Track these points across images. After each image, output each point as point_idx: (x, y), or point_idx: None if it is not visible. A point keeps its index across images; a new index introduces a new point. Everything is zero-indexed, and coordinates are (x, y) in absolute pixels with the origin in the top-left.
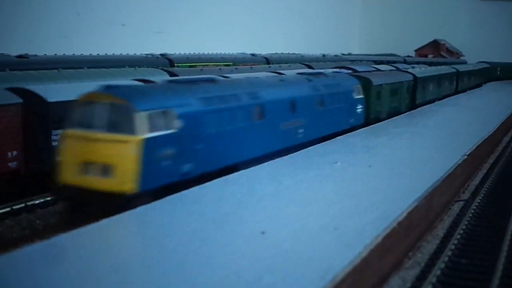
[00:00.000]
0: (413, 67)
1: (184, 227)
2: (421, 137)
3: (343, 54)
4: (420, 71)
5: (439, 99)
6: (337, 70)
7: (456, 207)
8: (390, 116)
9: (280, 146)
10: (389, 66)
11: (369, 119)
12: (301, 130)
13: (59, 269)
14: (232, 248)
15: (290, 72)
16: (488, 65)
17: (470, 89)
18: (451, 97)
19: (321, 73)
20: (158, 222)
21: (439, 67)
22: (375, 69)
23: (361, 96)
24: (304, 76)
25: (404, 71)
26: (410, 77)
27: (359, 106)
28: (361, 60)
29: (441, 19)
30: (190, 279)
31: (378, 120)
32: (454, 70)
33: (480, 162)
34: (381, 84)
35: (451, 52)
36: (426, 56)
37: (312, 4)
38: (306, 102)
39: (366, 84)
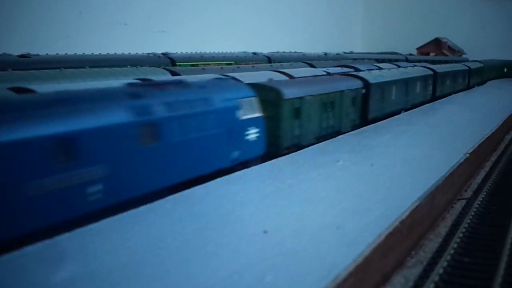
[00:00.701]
0: (368, 70)
1: (186, 226)
2: (423, 135)
3: (345, 53)
4: (378, 74)
5: (407, 109)
6: (223, 76)
7: (459, 206)
8: (322, 139)
9: (19, 229)
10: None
11: (279, 148)
12: (94, 188)
13: (61, 269)
14: (234, 247)
15: (109, 84)
16: (481, 64)
17: (455, 92)
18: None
19: (177, 82)
20: (160, 221)
21: (409, 68)
22: (376, 67)
23: (256, 115)
24: (128, 89)
25: (352, 75)
26: (358, 84)
27: (253, 131)
28: (363, 59)
29: (443, 17)
30: (192, 278)
31: (299, 147)
32: (430, 72)
33: (482, 160)
34: (301, 97)
35: (453, 50)
36: (428, 54)
37: (314, 2)
38: (110, 137)
39: (272, 97)
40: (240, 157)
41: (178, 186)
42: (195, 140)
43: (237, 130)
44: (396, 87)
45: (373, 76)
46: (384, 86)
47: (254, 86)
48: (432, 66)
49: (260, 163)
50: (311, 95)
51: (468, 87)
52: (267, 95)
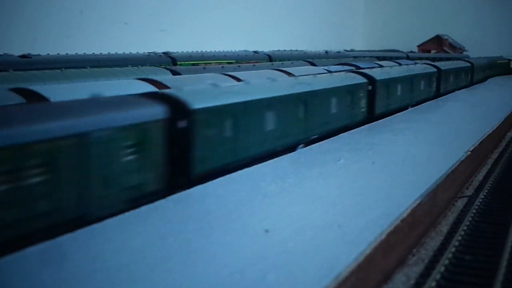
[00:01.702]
0: (214, 85)
1: (188, 226)
2: (424, 133)
3: (346, 51)
4: (236, 90)
5: (309, 143)
6: None
7: (460, 203)
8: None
9: None
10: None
11: None
12: None
13: (63, 270)
14: (236, 246)
15: None
16: (469, 64)
17: (414, 105)
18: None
19: None
20: (162, 221)
21: (323, 76)
22: (377, 65)
23: None
24: None
25: (154, 96)
26: (157, 112)
27: None
28: (364, 57)
29: (444, 14)
30: (194, 277)
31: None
32: (363, 81)
33: (483, 158)
34: None
35: (454, 47)
36: (429, 51)
37: (315, 0)
38: None
39: None
40: None
41: None
42: None
43: None
44: (276, 111)
45: (206, 95)
46: (246, 110)
47: None
48: (372, 71)
49: None
50: None
51: (438, 95)
52: None
